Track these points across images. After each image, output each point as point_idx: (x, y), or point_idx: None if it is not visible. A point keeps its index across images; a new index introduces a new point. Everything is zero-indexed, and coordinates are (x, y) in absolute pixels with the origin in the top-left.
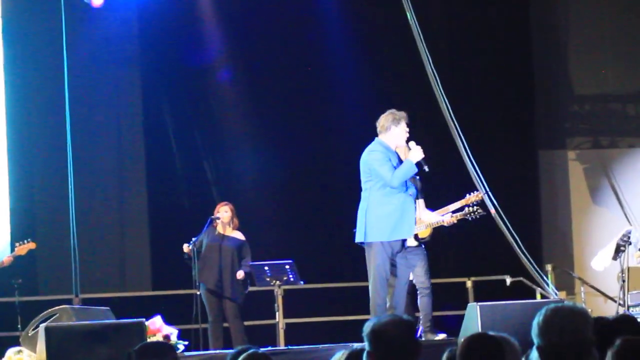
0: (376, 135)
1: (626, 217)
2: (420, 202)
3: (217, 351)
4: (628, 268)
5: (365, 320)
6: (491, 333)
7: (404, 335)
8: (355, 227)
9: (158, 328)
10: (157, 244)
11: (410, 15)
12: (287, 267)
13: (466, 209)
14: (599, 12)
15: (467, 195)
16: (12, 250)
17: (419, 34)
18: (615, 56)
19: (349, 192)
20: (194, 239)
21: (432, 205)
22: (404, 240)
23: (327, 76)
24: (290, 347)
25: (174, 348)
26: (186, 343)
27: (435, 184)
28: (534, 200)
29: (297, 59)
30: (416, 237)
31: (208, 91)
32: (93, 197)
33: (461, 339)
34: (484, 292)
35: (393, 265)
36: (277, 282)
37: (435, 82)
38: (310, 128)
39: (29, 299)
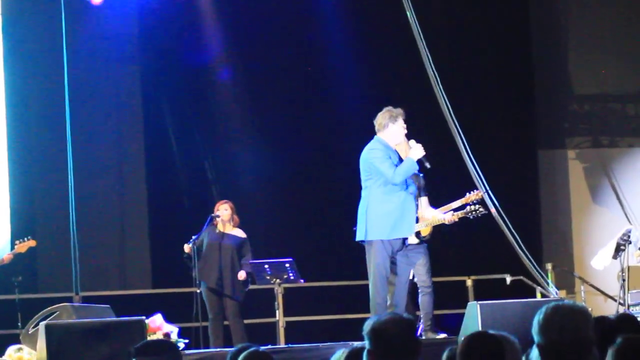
0: (375, 133)
1: (626, 216)
2: (424, 200)
3: (218, 349)
4: (628, 267)
5: (366, 318)
6: (491, 332)
7: (404, 333)
8: (355, 225)
9: (158, 326)
10: (157, 242)
11: (410, 15)
12: (287, 265)
13: (467, 207)
14: (599, 11)
15: (467, 194)
16: (13, 248)
17: (419, 33)
18: (615, 56)
19: (349, 190)
20: (194, 237)
21: (432, 204)
22: (404, 239)
23: (327, 75)
24: (290, 345)
25: (176, 346)
26: (186, 341)
27: (435, 182)
28: (534, 199)
29: (297, 57)
30: (417, 234)
31: (208, 90)
32: (93, 195)
33: (461, 337)
34: (484, 291)
35: (393, 263)
36: (278, 281)
37: (435, 81)
38: (310, 127)
39: (29, 296)
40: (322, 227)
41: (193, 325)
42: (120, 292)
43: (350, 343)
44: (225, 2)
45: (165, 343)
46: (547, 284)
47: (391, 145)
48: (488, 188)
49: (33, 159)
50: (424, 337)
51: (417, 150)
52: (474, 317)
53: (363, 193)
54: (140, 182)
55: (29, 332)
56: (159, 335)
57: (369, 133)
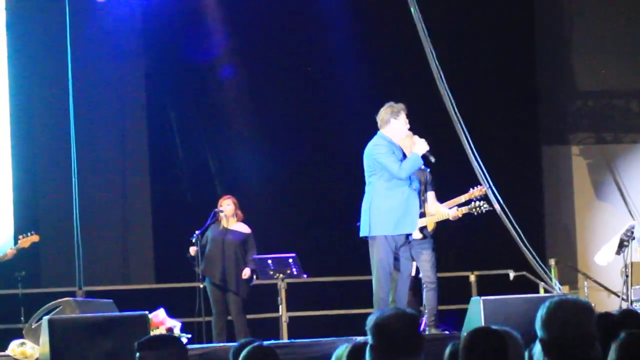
0: (378, 129)
1: (629, 212)
2: (430, 195)
3: (221, 344)
4: (631, 263)
5: (369, 313)
6: (494, 327)
7: (407, 328)
8: (358, 221)
9: (161, 321)
10: (160, 237)
11: (414, 11)
12: (291, 260)
13: (471, 203)
14: (603, 8)
15: (471, 189)
16: (16, 242)
17: (424, 30)
18: (619, 52)
19: (352, 186)
20: (197, 232)
21: (436, 199)
22: (407, 234)
23: (330, 72)
24: (293, 340)
25: (180, 340)
26: (189, 336)
27: (439, 178)
28: (538, 195)
29: (299, 54)
30: (422, 229)
31: (211, 86)
32: (96, 190)
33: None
34: (487, 287)
35: (396, 259)
36: (281, 276)
37: (439, 77)
38: (313, 123)
39: (32, 291)
40: (325, 222)
41: (196, 320)
42: (123, 287)
43: (353, 338)
44: (228, 0)
45: (170, 338)
46: (550, 279)
47: (394, 141)
48: (491, 184)
49: (37, 154)
50: (427, 333)
51: (421, 145)
52: (476, 312)
53: (367, 189)
54: (144, 177)
55: (32, 327)
56: (161, 330)
57: (372, 129)
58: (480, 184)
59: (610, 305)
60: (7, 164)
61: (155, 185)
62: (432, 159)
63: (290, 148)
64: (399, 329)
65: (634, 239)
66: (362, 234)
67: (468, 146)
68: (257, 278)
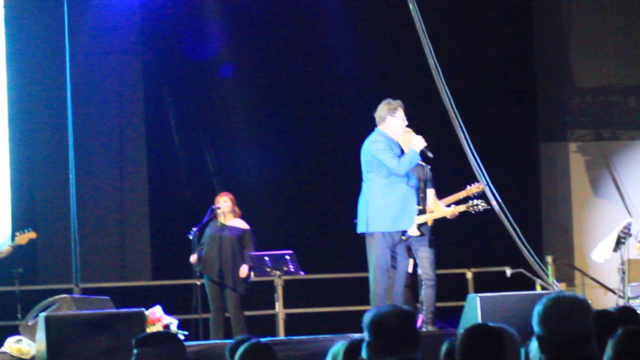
0: (376, 125)
1: (627, 209)
2: (431, 192)
3: (217, 341)
4: (628, 260)
5: (365, 311)
6: (491, 324)
7: (404, 325)
8: (356, 217)
9: (158, 318)
10: (157, 233)
11: (412, 7)
12: (288, 257)
13: (469, 202)
14: (601, 5)
15: (468, 186)
16: (13, 239)
17: (422, 26)
18: (617, 49)
19: (350, 182)
20: (194, 229)
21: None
22: (404, 231)
23: (328, 68)
24: (290, 337)
25: (178, 337)
26: (186, 333)
27: (437, 175)
28: (535, 192)
29: (296, 51)
30: (420, 227)
31: (209, 82)
32: (94, 186)
33: (461, 330)
34: (484, 284)
35: (392, 257)
36: (277, 273)
37: (437, 74)
38: (311, 119)
39: (29, 288)
40: (322, 219)
41: (192, 317)
42: (120, 284)
43: (350, 335)
44: None
45: (168, 334)
46: (547, 276)
47: (392, 137)
48: (489, 180)
49: (34, 150)
50: (424, 330)
51: (418, 142)
52: (473, 309)
53: (364, 185)
54: (141, 174)
55: (29, 324)
56: (158, 327)
57: (369, 125)
58: (478, 181)
59: (607, 302)
60: (4, 160)
61: (152, 182)
62: (430, 155)
63: (287, 145)
64: (396, 326)
65: (631, 236)
66: (359, 230)
67: (465, 143)
68: (254, 275)
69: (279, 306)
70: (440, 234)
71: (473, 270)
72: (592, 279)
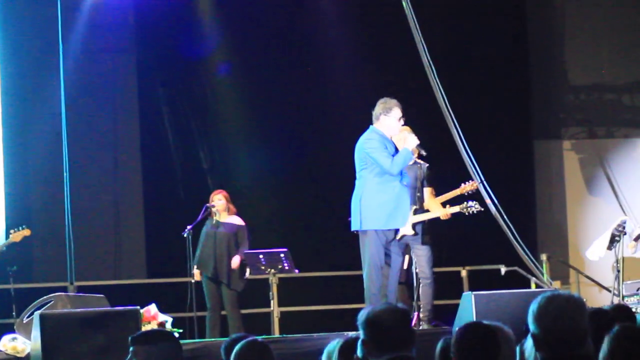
0: (371, 123)
1: (621, 207)
2: (427, 191)
3: (212, 340)
4: (623, 258)
5: (360, 308)
6: (486, 322)
7: (399, 323)
8: (350, 216)
9: (153, 315)
10: (152, 232)
11: (406, 5)
12: (282, 255)
13: (463, 203)
14: (595, 2)
15: (463, 184)
16: (7, 237)
17: (415, 24)
18: (611, 46)
19: (344, 180)
20: (188, 227)
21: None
22: (396, 230)
23: (323, 66)
24: (285, 335)
25: (174, 336)
26: (180, 331)
27: (431, 173)
28: (529, 190)
29: (293, 48)
30: (415, 226)
31: (204, 80)
32: (88, 184)
33: (456, 328)
34: (478, 282)
35: (386, 254)
36: (272, 271)
37: (431, 72)
38: (305, 118)
39: (24, 286)
40: (316, 217)
41: (187, 315)
42: (114, 282)
43: (345, 333)
44: None
45: (164, 332)
46: (542, 274)
47: (387, 135)
48: (483, 178)
49: (28, 148)
50: (422, 328)
51: (412, 140)
52: (468, 307)
53: (357, 183)
54: (136, 172)
55: (24, 322)
56: (153, 325)
57: (364, 124)
58: (472, 179)
59: (602, 300)
60: None
61: (147, 180)
62: (423, 153)
63: (282, 143)
64: (391, 324)
65: (625, 234)
66: (353, 227)
67: (460, 141)
68: (250, 273)
69: (273, 304)
70: (434, 232)
71: (468, 268)
72: (587, 277)
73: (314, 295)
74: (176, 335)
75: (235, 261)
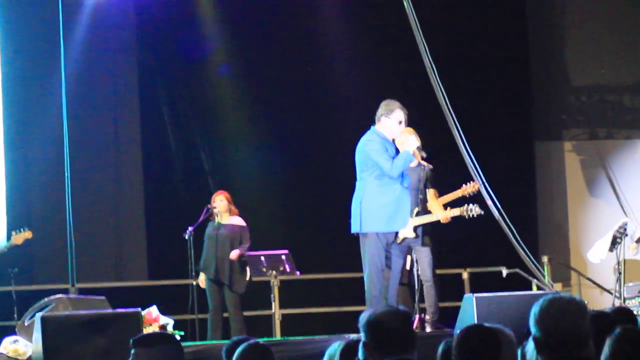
0: (373, 124)
1: (622, 208)
2: (430, 192)
3: (214, 342)
4: (624, 260)
5: (361, 311)
6: (487, 324)
7: (400, 326)
8: (351, 217)
9: (154, 318)
10: (153, 234)
11: (407, 6)
12: (284, 257)
13: (463, 206)
14: (596, 3)
15: (464, 185)
16: (9, 239)
17: (417, 25)
18: (612, 48)
19: (346, 182)
20: (189, 229)
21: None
22: (396, 232)
23: (325, 67)
24: (286, 338)
25: (175, 338)
26: (182, 333)
27: (432, 174)
28: (530, 191)
29: (294, 49)
30: (416, 229)
31: (205, 81)
32: (90, 186)
33: (457, 330)
34: (480, 284)
35: (387, 256)
36: (274, 273)
37: (432, 73)
38: (307, 118)
39: (25, 288)
40: (318, 219)
41: (188, 318)
42: (116, 284)
43: (346, 335)
44: None
45: (166, 335)
46: (543, 276)
47: (388, 137)
48: (484, 180)
49: (29, 150)
50: (428, 330)
51: (412, 142)
52: (469, 309)
53: (358, 184)
54: (137, 173)
55: (25, 324)
56: (154, 327)
57: (366, 124)
58: (473, 180)
59: (603, 302)
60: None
61: (148, 182)
62: (424, 155)
63: (283, 144)
64: (392, 326)
65: (626, 235)
66: (353, 230)
67: (461, 142)
68: (251, 275)
69: (275, 306)
70: (435, 234)
71: (469, 270)
72: (588, 279)
73: (316, 297)
74: (177, 337)
75: (234, 253)
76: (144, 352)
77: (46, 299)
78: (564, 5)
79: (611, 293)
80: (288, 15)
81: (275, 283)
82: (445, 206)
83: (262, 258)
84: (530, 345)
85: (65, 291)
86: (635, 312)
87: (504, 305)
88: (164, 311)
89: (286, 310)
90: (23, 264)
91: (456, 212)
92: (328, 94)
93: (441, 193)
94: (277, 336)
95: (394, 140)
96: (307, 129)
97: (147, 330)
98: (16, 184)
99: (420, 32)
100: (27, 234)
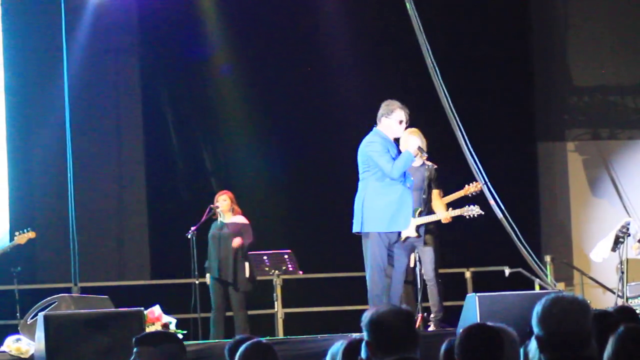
0: (375, 124)
1: (625, 208)
2: (436, 192)
3: (216, 341)
4: (627, 259)
5: (364, 310)
6: (490, 324)
7: (403, 325)
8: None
9: (157, 317)
10: (156, 233)
11: (410, 6)
12: (286, 257)
13: (464, 207)
14: (598, 3)
15: (466, 185)
16: (12, 239)
17: (419, 25)
18: (614, 48)
19: (348, 182)
20: (192, 229)
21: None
22: (399, 231)
23: (326, 67)
24: (289, 337)
25: (178, 337)
26: (184, 332)
27: (439, 175)
28: (533, 191)
29: (296, 49)
30: (418, 228)
31: (207, 81)
32: (92, 186)
33: (460, 329)
34: (482, 283)
35: (390, 256)
36: (276, 272)
37: (435, 73)
38: (309, 118)
39: (28, 287)
40: (320, 219)
41: (191, 317)
42: (119, 283)
43: (349, 334)
44: None
45: (168, 334)
46: (546, 276)
47: (390, 138)
48: (487, 180)
49: (32, 150)
50: (431, 329)
51: (413, 143)
52: (472, 309)
53: (360, 185)
54: (139, 173)
55: (28, 323)
56: (157, 326)
57: (368, 124)
58: (476, 180)
59: (606, 302)
60: (2, 160)
61: (151, 182)
62: (425, 155)
63: (286, 144)
64: (395, 326)
65: (629, 235)
66: (354, 230)
67: (464, 142)
68: (252, 274)
69: (277, 305)
70: (438, 234)
71: (472, 269)
72: (591, 278)
73: (318, 296)
74: (180, 336)
75: (237, 241)
76: (147, 351)
77: (49, 298)
78: (565, 6)
79: (614, 292)
80: (289, 16)
81: (278, 282)
82: (448, 206)
83: (265, 257)
84: (532, 345)
85: (68, 290)
86: (638, 311)
87: (507, 304)
88: (166, 310)
89: (289, 310)
90: (26, 263)
91: (457, 212)
92: (329, 93)
93: (444, 193)
94: (280, 335)
95: (396, 141)
96: (308, 129)
97: (149, 329)
98: (19, 183)
99: (423, 32)
100: (30, 235)
